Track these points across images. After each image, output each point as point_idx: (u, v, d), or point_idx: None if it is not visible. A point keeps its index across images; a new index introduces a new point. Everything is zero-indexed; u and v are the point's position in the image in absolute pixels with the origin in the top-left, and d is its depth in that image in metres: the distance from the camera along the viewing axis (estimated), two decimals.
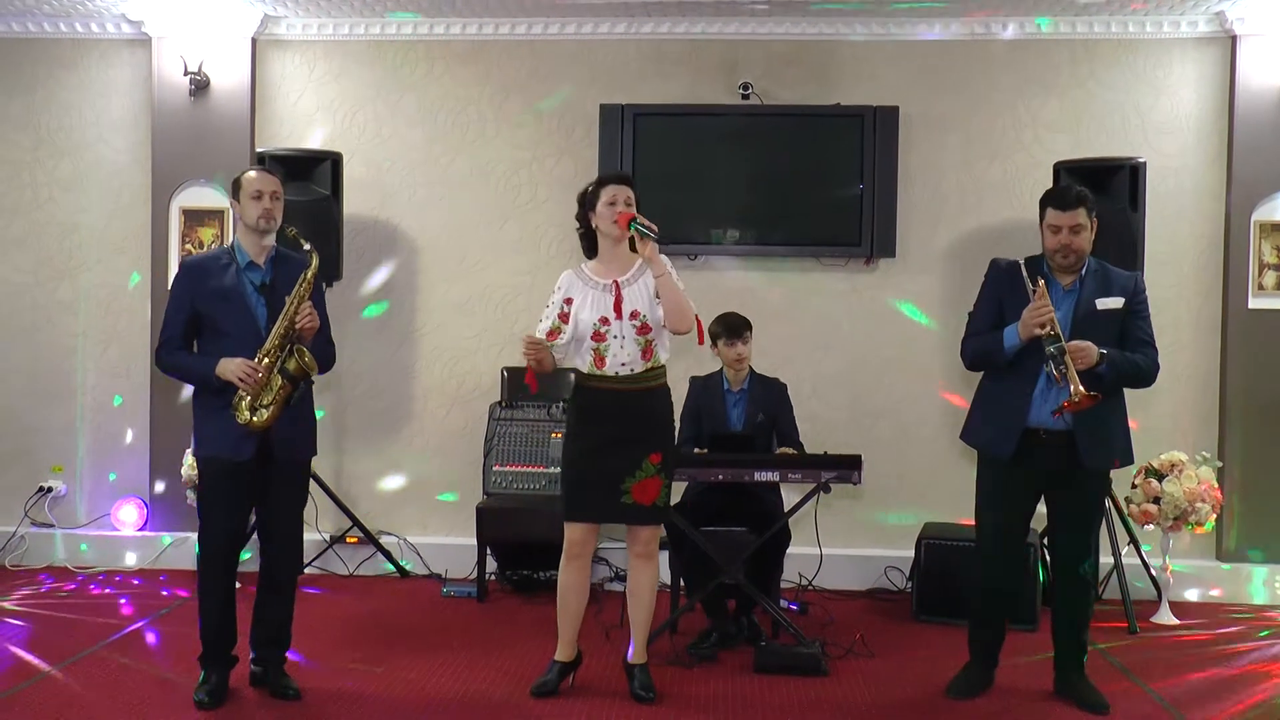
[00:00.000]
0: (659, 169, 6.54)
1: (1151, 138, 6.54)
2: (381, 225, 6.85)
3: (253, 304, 4.46)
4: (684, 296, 4.52)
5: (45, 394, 6.95)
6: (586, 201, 4.68)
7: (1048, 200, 4.59)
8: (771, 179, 6.61)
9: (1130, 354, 4.51)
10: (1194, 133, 6.55)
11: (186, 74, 6.63)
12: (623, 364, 4.54)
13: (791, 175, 6.59)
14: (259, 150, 6.48)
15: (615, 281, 4.58)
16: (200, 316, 4.45)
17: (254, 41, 6.76)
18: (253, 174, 4.57)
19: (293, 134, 6.82)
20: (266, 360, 4.37)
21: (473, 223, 6.83)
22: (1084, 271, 4.57)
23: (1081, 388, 4.28)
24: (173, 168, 6.73)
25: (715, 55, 6.70)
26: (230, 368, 4.34)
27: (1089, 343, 4.38)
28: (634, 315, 4.53)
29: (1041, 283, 4.45)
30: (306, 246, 4.52)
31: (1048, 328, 4.36)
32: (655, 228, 4.51)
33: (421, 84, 6.83)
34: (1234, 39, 6.41)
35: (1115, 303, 4.53)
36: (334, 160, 6.44)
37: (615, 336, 4.53)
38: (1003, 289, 4.64)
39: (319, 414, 6.65)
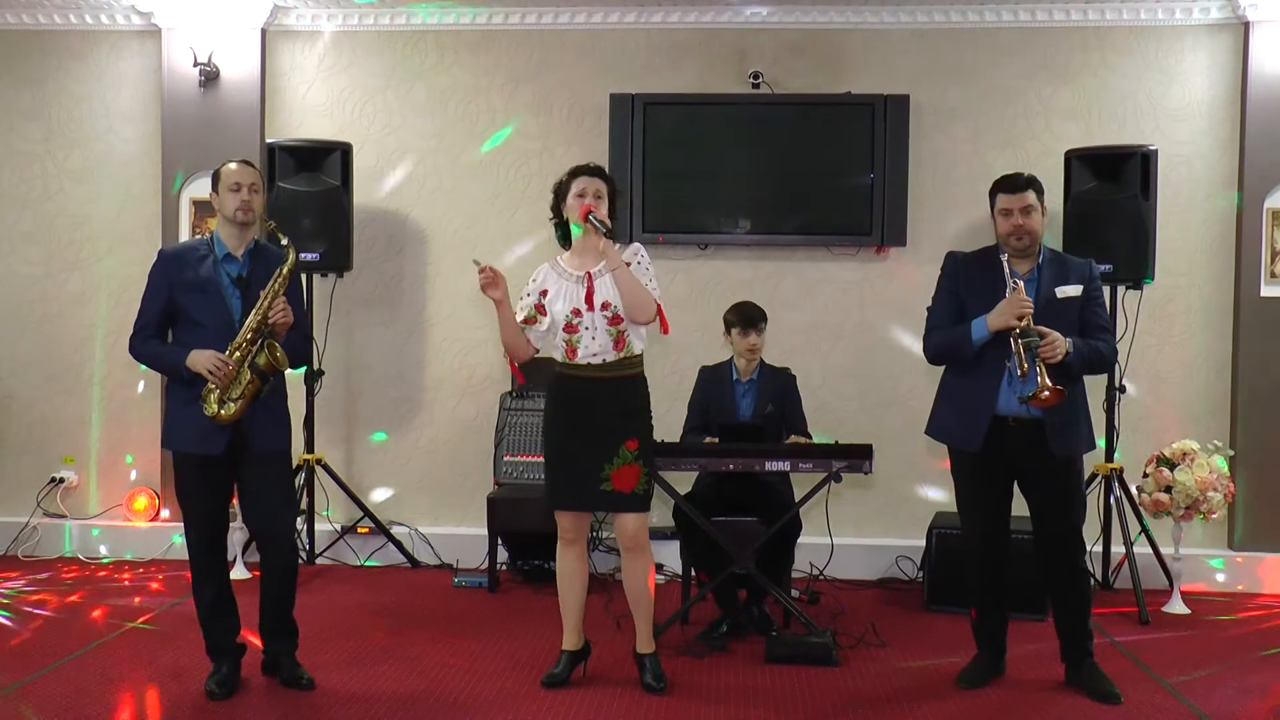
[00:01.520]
0: (669, 159, 6.54)
1: (1163, 125, 6.52)
2: (391, 215, 6.85)
3: (228, 296, 4.45)
4: (641, 287, 4.50)
5: (56, 385, 6.98)
6: (559, 191, 4.70)
7: (997, 187, 4.66)
8: (782, 168, 6.60)
9: (1092, 341, 4.53)
10: (1206, 120, 6.52)
11: (196, 65, 6.63)
12: (594, 355, 4.54)
13: (802, 164, 6.58)
14: (269, 141, 6.48)
15: (588, 273, 4.57)
16: (176, 306, 4.44)
17: (263, 32, 6.76)
18: (232, 166, 4.55)
19: (303, 124, 6.82)
20: (237, 354, 4.36)
21: (482, 212, 6.83)
22: (1040, 260, 4.61)
23: (1049, 382, 4.32)
24: (183, 159, 6.74)
25: (725, 44, 6.69)
26: (200, 360, 4.33)
27: (1058, 334, 4.40)
28: (605, 306, 4.52)
29: (1021, 283, 4.47)
30: (284, 241, 4.51)
31: (1025, 320, 4.38)
32: (609, 223, 4.52)
33: (431, 74, 6.83)
34: (1246, 25, 6.38)
35: (1074, 290, 4.56)
36: (344, 150, 6.44)
37: (587, 328, 4.53)
38: (959, 282, 4.68)
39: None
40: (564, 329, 4.56)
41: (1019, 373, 4.37)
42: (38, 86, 6.93)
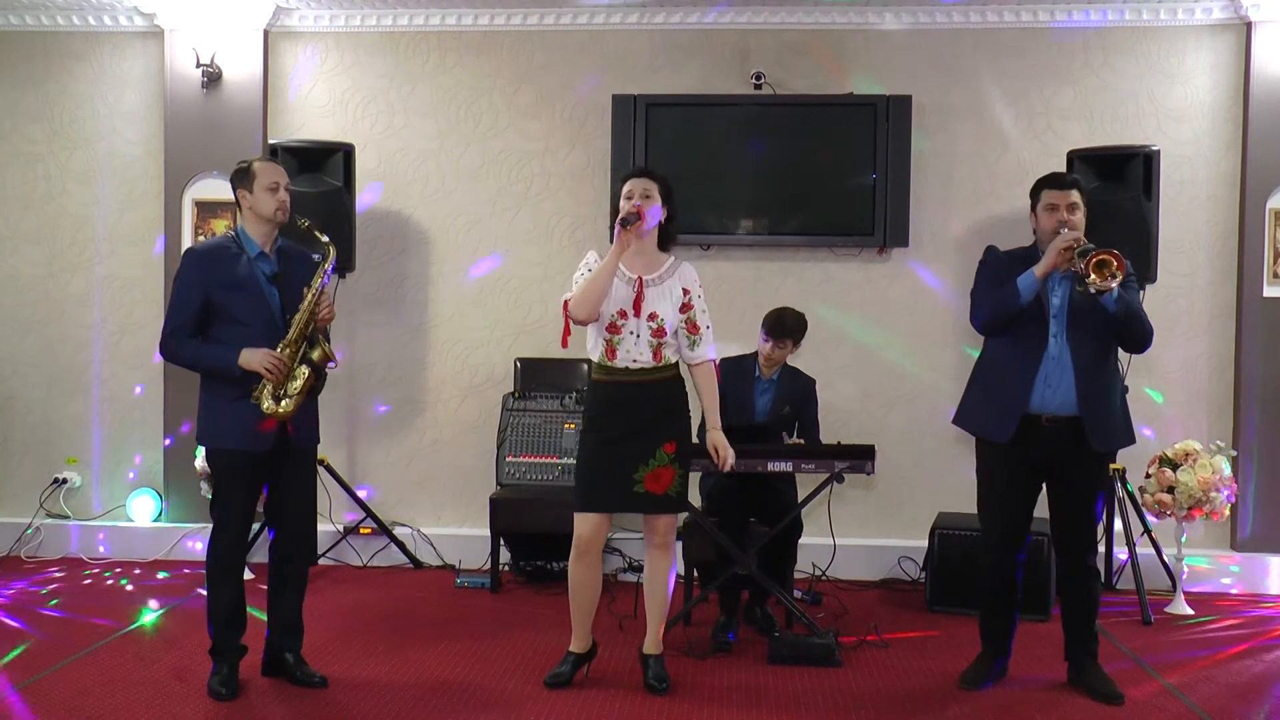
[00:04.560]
0: (671, 160, 6.51)
1: (1165, 125, 6.51)
2: (393, 216, 6.85)
3: (268, 294, 4.48)
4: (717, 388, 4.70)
5: (59, 386, 6.98)
6: (615, 202, 4.67)
7: (1042, 184, 4.67)
8: (784, 169, 6.60)
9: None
10: (1208, 120, 6.51)
11: (199, 66, 6.64)
12: (634, 360, 4.54)
13: (804, 165, 6.59)
14: (271, 142, 6.48)
15: (639, 278, 4.56)
16: (213, 306, 4.44)
17: (266, 33, 6.76)
18: (266, 164, 4.58)
19: (305, 125, 6.83)
20: (289, 350, 4.40)
21: (485, 213, 6.83)
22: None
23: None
24: (185, 160, 6.74)
25: (727, 45, 6.69)
26: (255, 358, 4.36)
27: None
28: (652, 317, 4.52)
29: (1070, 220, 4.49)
30: (325, 239, 4.56)
31: (1077, 244, 4.36)
32: (632, 217, 4.48)
33: (433, 75, 6.84)
34: (1248, 25, 6.38)
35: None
36: (346, 152, 6.44)
37: (630, 333, 4.53)
38: (1002, 273, 4.61)
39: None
40: (606, 328, 4.55)
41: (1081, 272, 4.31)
42: (40, 88, 6.94)
